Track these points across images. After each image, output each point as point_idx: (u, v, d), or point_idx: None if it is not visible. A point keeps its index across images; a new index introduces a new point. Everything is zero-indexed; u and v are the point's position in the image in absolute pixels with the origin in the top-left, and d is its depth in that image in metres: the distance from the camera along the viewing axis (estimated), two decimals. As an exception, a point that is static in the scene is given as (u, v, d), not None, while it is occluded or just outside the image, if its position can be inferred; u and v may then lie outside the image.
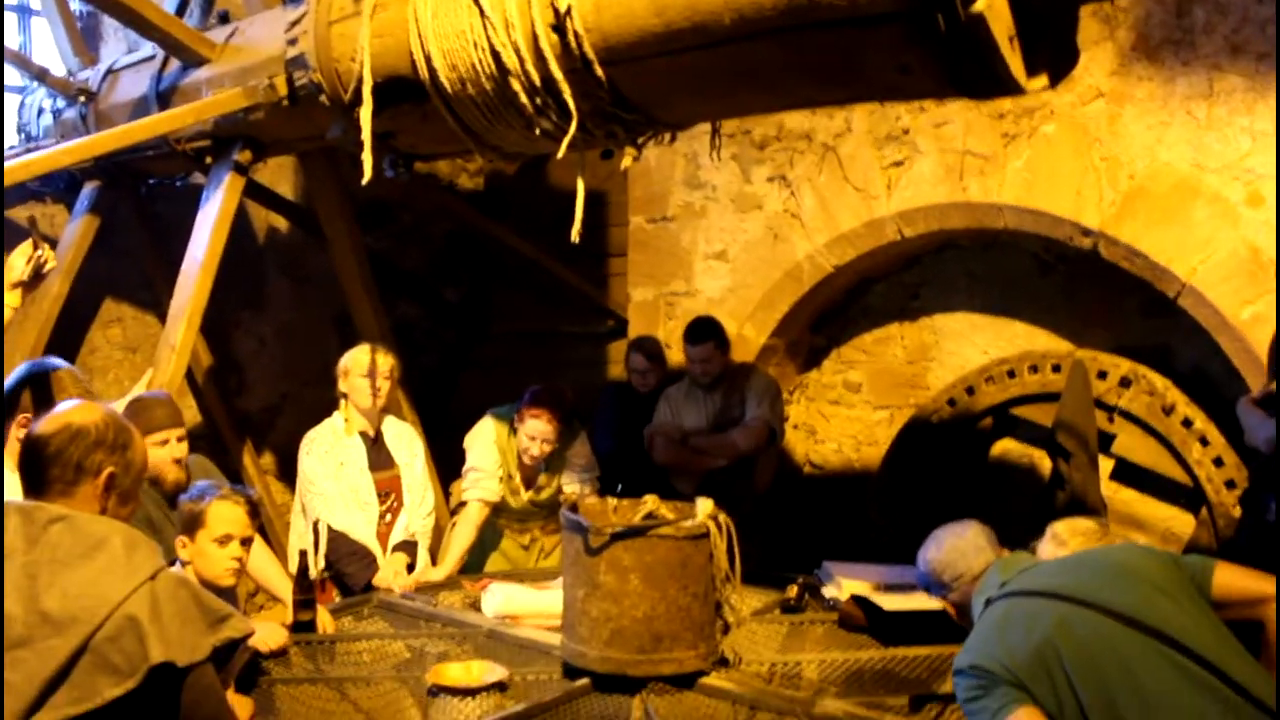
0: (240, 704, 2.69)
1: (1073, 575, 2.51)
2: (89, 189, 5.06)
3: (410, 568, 4.23)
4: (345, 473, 4.28)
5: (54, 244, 4.58)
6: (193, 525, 3.10)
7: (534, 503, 4.56)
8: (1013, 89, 2.61)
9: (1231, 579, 2.46)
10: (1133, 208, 4.36)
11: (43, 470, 2.10)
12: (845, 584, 3.72)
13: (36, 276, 3.65)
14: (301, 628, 3.48)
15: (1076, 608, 2.38)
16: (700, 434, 4.91)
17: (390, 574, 4.10)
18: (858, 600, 3.53)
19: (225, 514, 3.10)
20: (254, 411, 5.99)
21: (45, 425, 2.14)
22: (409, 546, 4.32)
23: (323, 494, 4.23)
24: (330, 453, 4.30)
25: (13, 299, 3.57)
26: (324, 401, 4.55)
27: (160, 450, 3.56)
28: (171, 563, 2.99)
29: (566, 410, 4.42)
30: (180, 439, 3.64)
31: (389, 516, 4.38)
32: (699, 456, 4.88)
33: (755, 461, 4.97)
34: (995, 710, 2.31)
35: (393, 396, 4.56)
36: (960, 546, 2.83)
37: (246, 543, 3.16)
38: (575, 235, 3.21)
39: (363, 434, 4.37)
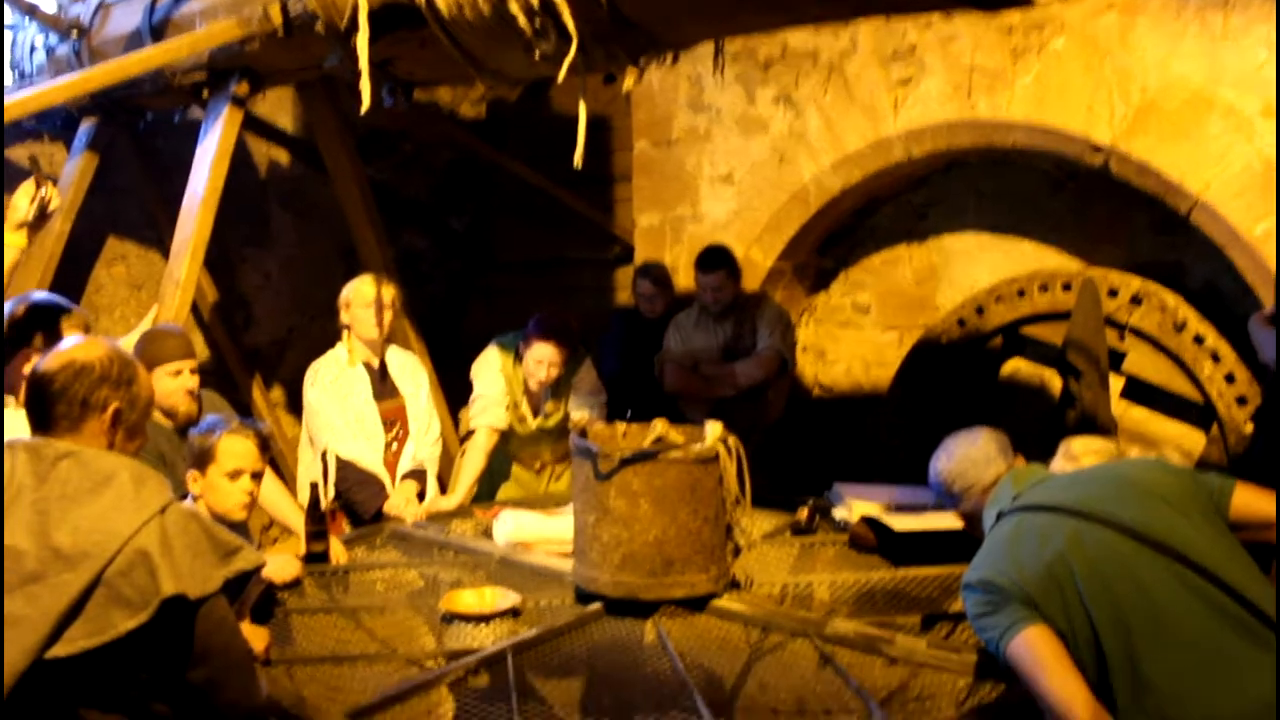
0: (256, 635, 2.71)
1: (1085, 489, 2.48)
2: (86, 126, 5.00)
3: (420, 495, 4.27)
4: (350, 403, 4.30)
5: (55, 182, 4.55)
6: (203, 460, 3.10)
7: (542, 429, 4.58)
8: (1022, 0, 2.55)
9: (1251, 500, 2.43)
10: (1145, 123, 4.28)
11: (48, 408, 2.10)
12: (855, 505, 3.71)
13: (42, 216, 3.62)
14: (315, 559, 3.51)
15: (1089, 524, 2.35)
16: (710, 362, 4.89)
17: (401, 501, 4.13)
18: (868, 521, 3.54)
19: (236, 448, 3.10)
20: (262, 346, 6.00)
21: (49, 362, 2.13)
22: (419, 475, 4.35)
23: (329, 424, 4.25)
24: (335, 383, 4.30)
25: (19, 240, 3.55)
26: (331, 334, 4.54)
27: (173, 381, 3.57)
28: (183, 497, 3.01)
29: (571, 336, 4.42)
30: (193, 370, 3.65)
31: (395, 445, 4.39)
32: (710, 384, 4.88)
33: (766, 391, 4.96)
34: (1005, 627, 2.29)
35: (397, 326, 4.55)
36: (972, 455, 2.76)
37: (257, 476, 3.16)
38: (578, 161, 3.17)
39: (366, 364, 4.38)
